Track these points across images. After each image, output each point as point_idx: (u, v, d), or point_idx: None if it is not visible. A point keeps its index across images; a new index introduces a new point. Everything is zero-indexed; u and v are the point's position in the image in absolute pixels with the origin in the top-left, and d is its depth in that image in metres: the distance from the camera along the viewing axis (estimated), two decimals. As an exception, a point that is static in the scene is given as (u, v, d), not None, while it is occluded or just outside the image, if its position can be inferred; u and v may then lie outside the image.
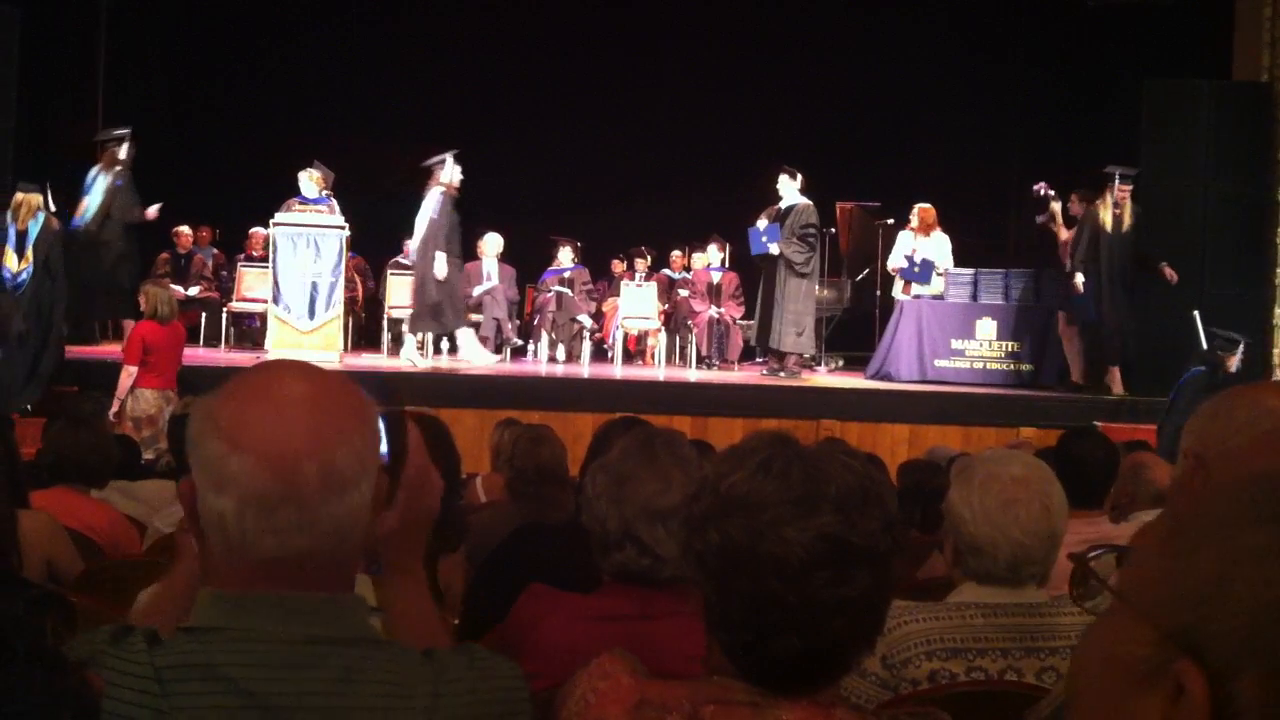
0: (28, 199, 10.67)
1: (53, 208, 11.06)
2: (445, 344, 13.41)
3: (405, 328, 12.43)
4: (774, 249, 12.08)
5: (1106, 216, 11.51)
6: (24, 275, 10.63)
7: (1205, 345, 10.90)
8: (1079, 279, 11.48)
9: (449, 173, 11.86)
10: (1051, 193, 12.17)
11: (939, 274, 12.66)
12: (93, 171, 11.99)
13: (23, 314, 10.52)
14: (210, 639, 1.42)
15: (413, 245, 12.04)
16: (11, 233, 10.61)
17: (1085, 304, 11.59)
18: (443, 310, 11.89)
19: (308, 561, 1.44)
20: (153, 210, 12.32)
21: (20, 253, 10.65)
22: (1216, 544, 0.74)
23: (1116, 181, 11.49)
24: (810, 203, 12.28)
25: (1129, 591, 0.78)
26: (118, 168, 11.88)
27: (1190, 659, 0.71)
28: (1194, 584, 0.73)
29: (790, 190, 12.32)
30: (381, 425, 1.59)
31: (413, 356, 12.08)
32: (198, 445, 1.45)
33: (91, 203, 11.87)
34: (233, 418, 1.44)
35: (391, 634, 1.67)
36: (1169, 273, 11.28)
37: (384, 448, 1.61)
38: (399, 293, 13.56)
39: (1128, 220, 11.52)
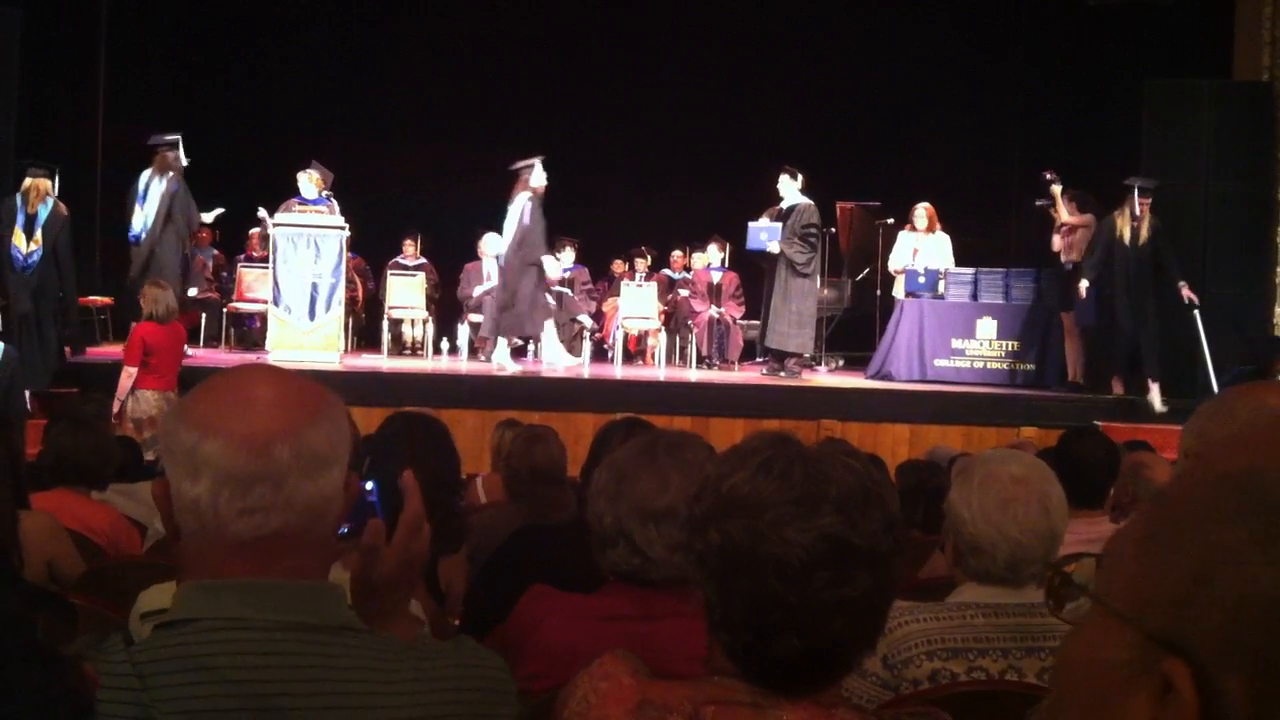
0: (37, 183, 10.89)
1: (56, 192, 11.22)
2: (446, 344, 13.42)
3: (486, 333, 12.32)
4: (772, 247, 12.07)
5: (1125, 228, 11.20)
6: (33, 257, 10.86)
7: (1206, 346, 10.89)
8: (1084, 285, 11.30)
9: (538, 177, 11.79)
10: (1053, 176, 12.16)
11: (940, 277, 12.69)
12: (144, 177, 11.73)
13: (29, 295, 10.77)
14: (188, 630, 1.42)
15: (502, 251, 11.97)
16: (21, 216, 10.82)
17: (1087, 308, 11.46)
18: (527, 314, 11.87)
19: (283, 542, 1.44)
20: (210, 215, 12.22)
21: (30, 234, 10.86)
22: (1194, 543, 0.74)
23: (1136, 194, 11.18)
24: (811, 203, 12.28)
25: (1108, 595, 0.78)
26: (171, 173, 11.69)
27: (1177, 658, 0.71)
28: (1174, 584, 0.73)
29: (791, 190, 12.31)
30: (373, 484, 1.65)
31: (504, 361, 12.01)
32: (170, 440, 1.47)
33: (149, 211, 11.69)
34: (204, 411, 1.47)
35: None
36: (1186, 293, 11.07)
37: (374, 495, 1.66)
38: (399, 293, 13.57)
39: (1145, 233, 11.20)
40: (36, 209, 10.90)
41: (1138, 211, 11.18)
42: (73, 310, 11.47)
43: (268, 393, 1.48)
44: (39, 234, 10.87)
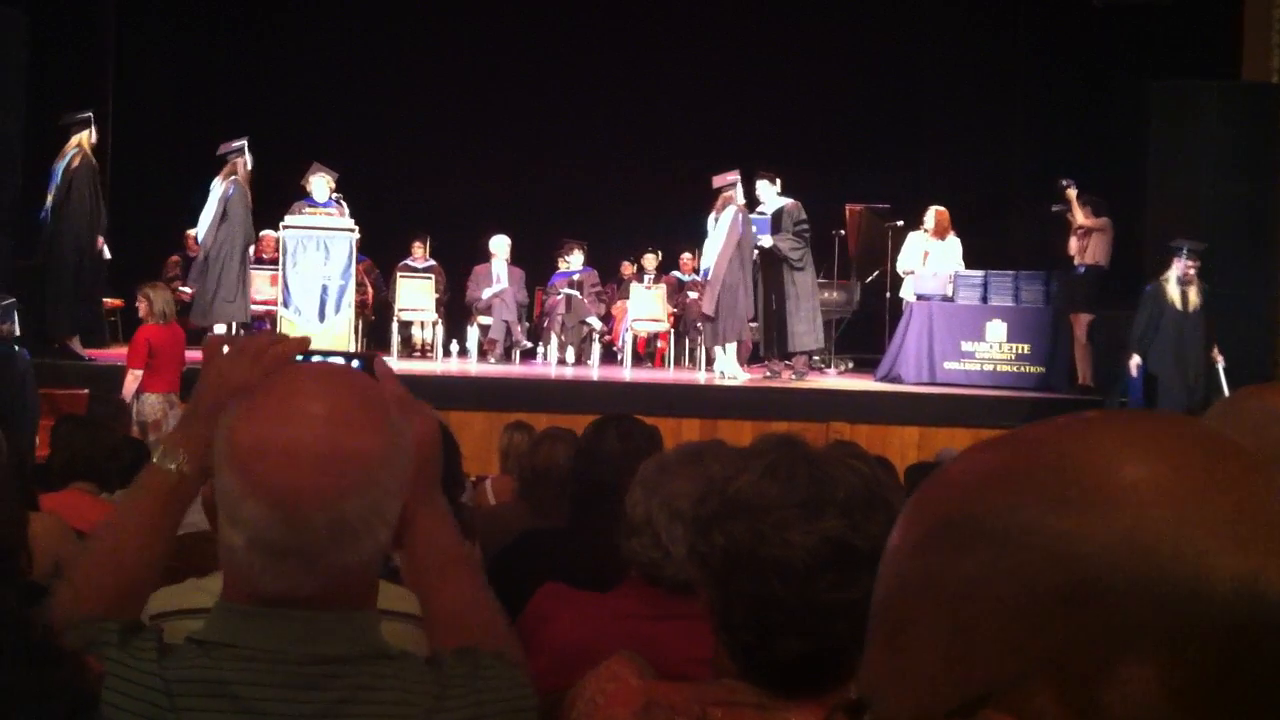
0: (71, 140, 11.43)
1: (94, 139, 11.66)
2: (455, 346, 13.41)
3: (715, 342, 12.41)
4: (763, 241, 12.13)
5: (1173, 293, 10.55)
6: (44, 212, 11.36)
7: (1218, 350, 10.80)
8: (1135, 361, 10.75)
9: (741, 194, 12.12)
10: (1068, 182, 12.12)
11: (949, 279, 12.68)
12: (214, 183, 11.84)
13: (45, 247, 11.33)
14: (221, 655, 1.43)
15: (706, 261, 12.29)
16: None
17: (1136, 386, 10.85)
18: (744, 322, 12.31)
19: (315, 601, 1.43)
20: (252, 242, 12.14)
21: (49, 190, 11.41)
22: (934, 606, 0.72)
23: (1184, 256, 10.56)
24: (796, 201, 12.28)
25: (891, 714, 0.75)
26: (234, 177, 11.72)
27: (986, 710, 0.68)
28: (940, 652, 0.71)
29: (770, 195, 12.35)
30: None
31: (733, 369, 12.29)
32: (218, 472, 1.45)
33: (205, 215, 11.73)
34: (249, 450, 1.42)
35: (414, 574, 1.68)
36: (1215, 354, 10.70)
37: None
38: (408, 295, 13.58)
39: (1195, 299, 10.53)
40: (56, 165, 11.35)
41: (1185, 275, 10.57)
42: (88, 256, 11.64)
43: (315, 438, 1.41)
44: (52, 188, 11.32)
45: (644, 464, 2.51)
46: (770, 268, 12.28)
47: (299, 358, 1.69)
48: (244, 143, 11.83)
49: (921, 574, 0.74)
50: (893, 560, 0.78)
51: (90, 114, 11.65)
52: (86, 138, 11.52)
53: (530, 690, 1.57)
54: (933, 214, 12.84)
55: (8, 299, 10.07)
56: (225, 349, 1.70)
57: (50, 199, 11.35)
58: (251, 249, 12.20)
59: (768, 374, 12.63)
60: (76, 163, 11.39)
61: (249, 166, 11.83)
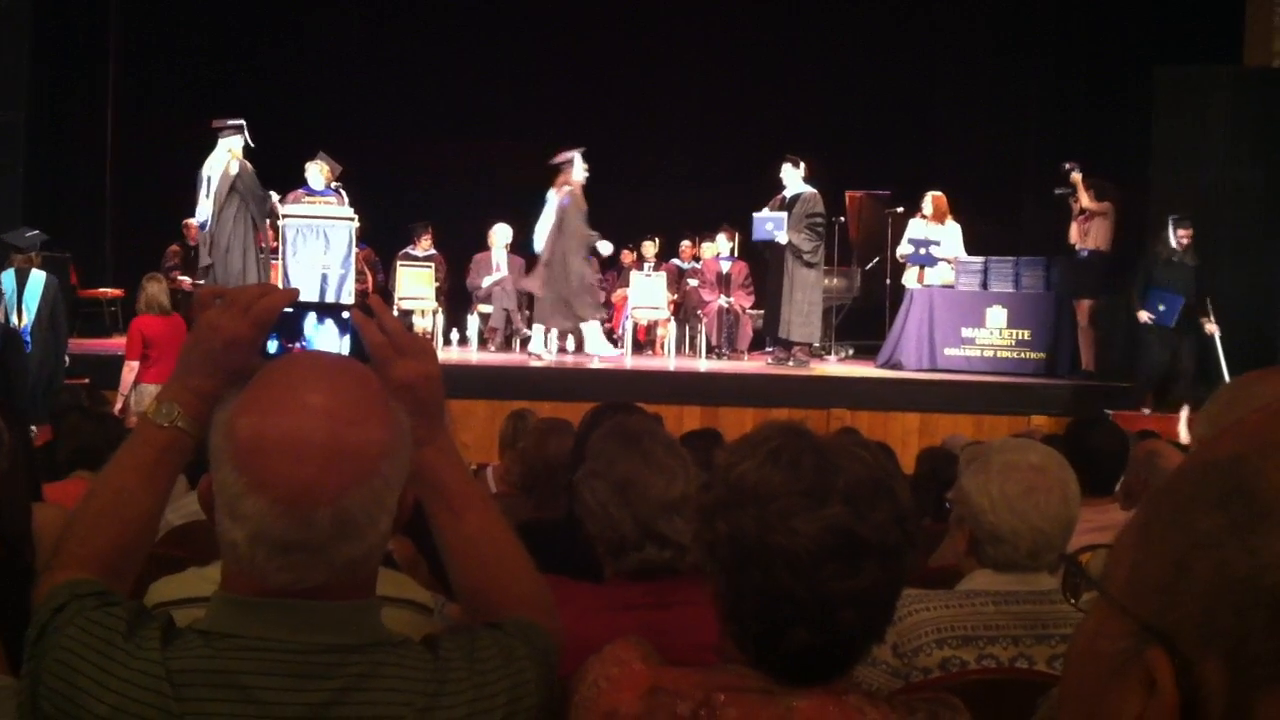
0: (220, 145, 11.39)
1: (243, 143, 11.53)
2: (456, 335, 13.41)
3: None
4: (780, 237, 12.01)
5: None
6: (208, 219, 11.41)
7: (1219, 340, 10.78)
8: None
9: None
10: (1073, 165, 12.06)
11: (948, 262, 12.63)
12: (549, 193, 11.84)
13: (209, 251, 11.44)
14: (224, 645, 1.42)
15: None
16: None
17: None
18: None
19: (318, 592, 1.43)
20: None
21: (209, 195, 11.39)
22: (1176, 530, 0.74)
23: None
24: (815, 191, 12.23)
25: (1111, 584, 0.79)
26: (568, 186, 11.74)
27: (1160, 647, 0.71)
28: (1159, 571, 0.74)
29: (794, 179, 12.25)
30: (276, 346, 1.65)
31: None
32: (216, 465, 1.44)
33: (542, 224, 11.80)
34: (249, 445, 1.41)
35: (431, 506, 1.70)
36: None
37: (348, 349, 1.66)
38: (408, 284, 13.58)
39: None
40: (209, 172, 11.31)
41: None
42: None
43: (316, 431, 1.41)
44: (210, 194, 11.31)
45: (589, 488, 2.49)
46: (778, 255, 12.20)
47: (288, 309, 1.68)
48: (575, 152, 11.88)
49: (1178, 502, 0.76)
50: (1179, 468, 0.80)
51: (242, 121, 11.49)
52: (238, 144, 11.40)
53: (527, 663, 1.57)
54: (930, 199, 12.79)
55: (33, 231, 10.08)
56: (217, 301, 1.69)
57: (210, 206, 11.31)
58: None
59: (770, 361, 12.61)
60: (235, 170, 11.34)
61: (579, 175, 11.89)
